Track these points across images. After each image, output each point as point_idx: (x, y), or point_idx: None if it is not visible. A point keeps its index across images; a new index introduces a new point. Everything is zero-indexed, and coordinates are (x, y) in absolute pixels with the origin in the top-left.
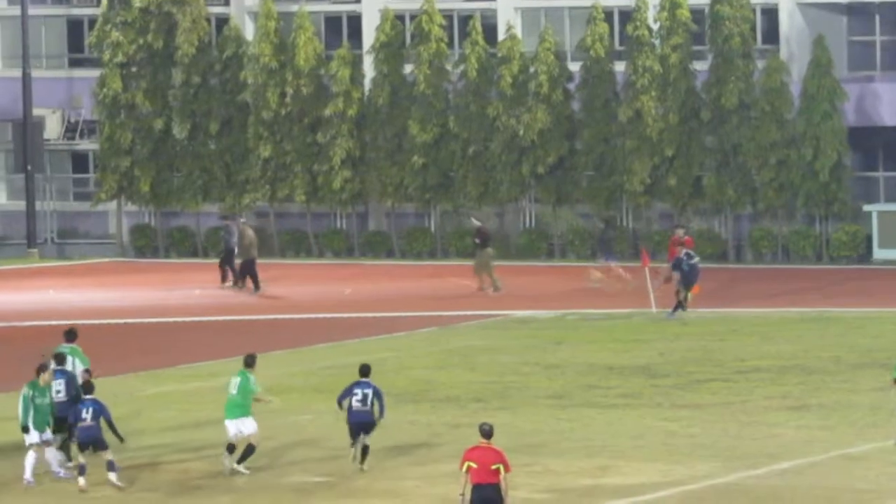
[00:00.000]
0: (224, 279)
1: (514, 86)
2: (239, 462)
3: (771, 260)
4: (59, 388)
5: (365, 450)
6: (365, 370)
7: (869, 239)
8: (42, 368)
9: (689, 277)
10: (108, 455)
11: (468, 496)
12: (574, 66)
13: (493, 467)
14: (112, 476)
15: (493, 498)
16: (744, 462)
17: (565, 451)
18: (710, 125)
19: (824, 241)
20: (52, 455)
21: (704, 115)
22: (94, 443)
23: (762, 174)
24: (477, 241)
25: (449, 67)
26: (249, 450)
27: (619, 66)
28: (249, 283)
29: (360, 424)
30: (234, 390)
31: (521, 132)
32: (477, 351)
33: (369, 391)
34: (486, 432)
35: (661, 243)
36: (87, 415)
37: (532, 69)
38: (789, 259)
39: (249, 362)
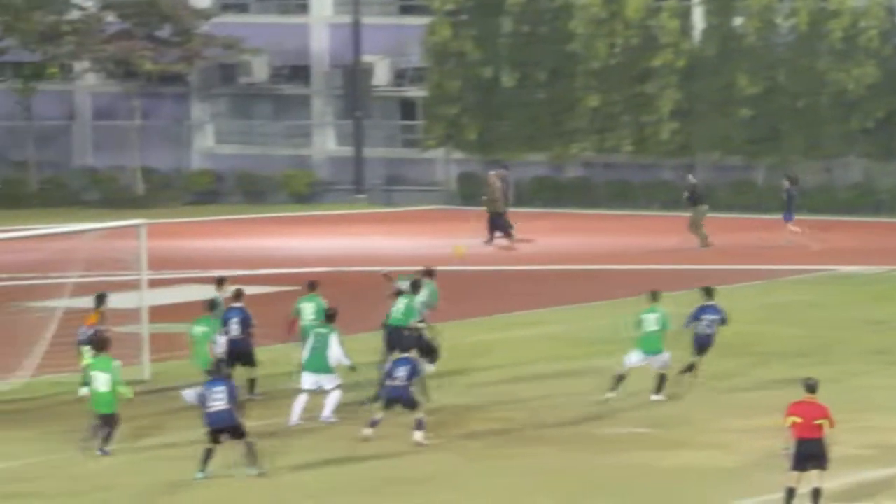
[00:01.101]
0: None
1: (844, 40)
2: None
3: None
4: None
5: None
6: (710, 291)
7: None
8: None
9: None
10: (419, 413)
11: (792, 450)
12: None
13: (817, 422)
14: (418, 435)
15: (817, 452)
16: None
17: (890, 408)
18: None
19: None
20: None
21: None
22: (403, 401)
23: None
24: (688, 196)
25: (779, 21)
26: (662, 379)
27: None
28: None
29: (703, 347)
30: (653, 326)
31: (850, 86)
32: (801, 306)
33: (716, 316)
34: (811, 387)
35: None
36: (401, 373)
37: (862, 23)
38: None
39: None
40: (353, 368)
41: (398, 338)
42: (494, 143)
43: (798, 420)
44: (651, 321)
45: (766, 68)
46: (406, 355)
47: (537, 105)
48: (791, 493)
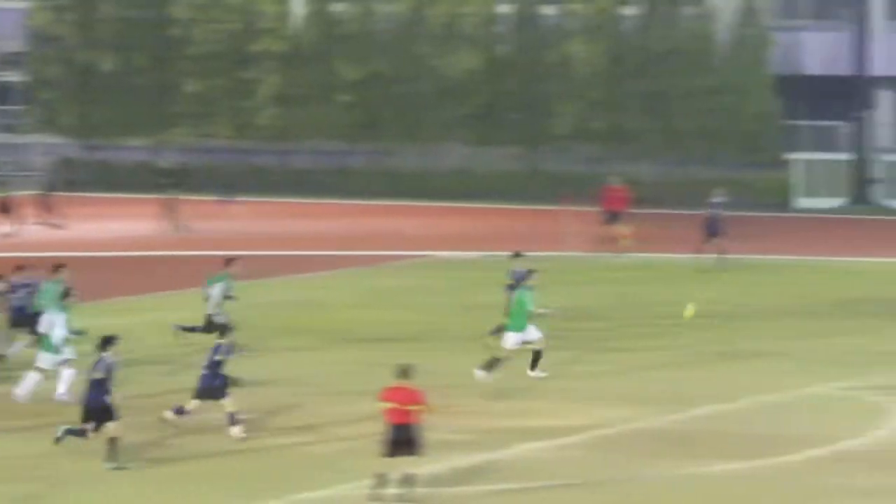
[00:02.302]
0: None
1: (444, 26)
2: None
3: (695, 206)
4: None
5: None
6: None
7: (790, 187)
8: None
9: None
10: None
11: (386, 435)
12: (504, 9)
13: (410, 408)
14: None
15: (410, 437)
16: (660, 407)
17: (484, 393)
18: (637, 70)
19: (747, 188)
20: None
21: (631, 60)
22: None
23: (687, 120)
24: (167, 181)
25: (379, 7)
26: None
27: (549, 10)
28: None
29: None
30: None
31: (450, 73)
32: (401, 291)
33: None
34: (405, 372)
35: (583, 187)
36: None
37: (462, 11)
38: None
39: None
40: None
41: None
42: (94, 128)
43: (391, 405)
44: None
45: (366, 55)
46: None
47: (138, 90)
48: (383, 478)
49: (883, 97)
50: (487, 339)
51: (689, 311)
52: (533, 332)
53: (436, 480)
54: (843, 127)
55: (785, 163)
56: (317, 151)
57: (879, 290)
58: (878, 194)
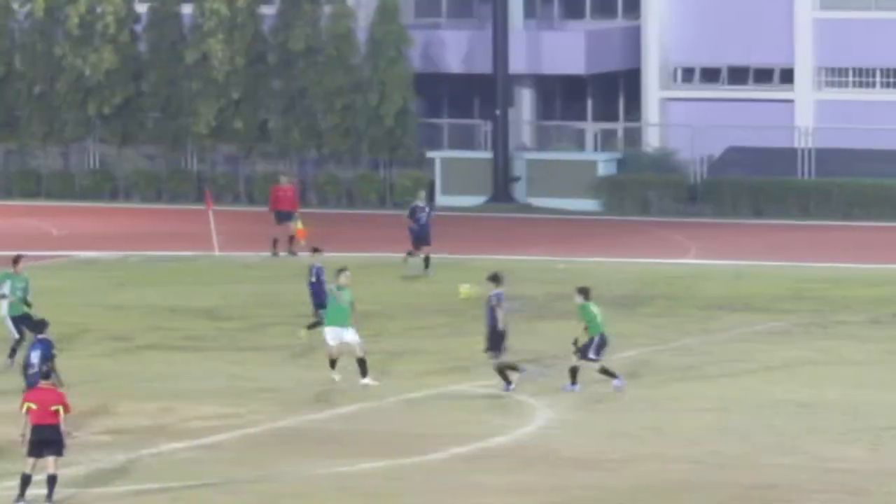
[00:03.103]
0: None
1: (81, 25)
2: None
3: (336, 205)
4: None
5: None
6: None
7: (433, 185)
8: None
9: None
10: None
11: (28, 437)
12: (142, 8)
13: (53, 408)
14: None
15: (52, 438)
16: (306, 406)
17: (128, 394)
18: (277, 69)
19: (388, 187)
20: None
21: (272, 58)
22: None
23: (328, 119)
24: None
25: (16, 6)
26: None
27: (187, 9)
28: None
29: None
30: None
31: (88, 72)
32: (39, 292)
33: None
34: (44, 374)
35: (225, 186)
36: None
37: (99, 9)
38: (354, 204)
39: None
40: None
41: None
42: None
43: (34, 406)
44: None
45: (2, 54)
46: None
47: None
48: (27, 479)
49: (522, 95)
50: (302, 332)
51: (466, 290)
52: (351, 335)
53: (78, 481)
54: (483, 125)
55: (426, 160)
56: None
57: (526, 287)
58: (520, 192)
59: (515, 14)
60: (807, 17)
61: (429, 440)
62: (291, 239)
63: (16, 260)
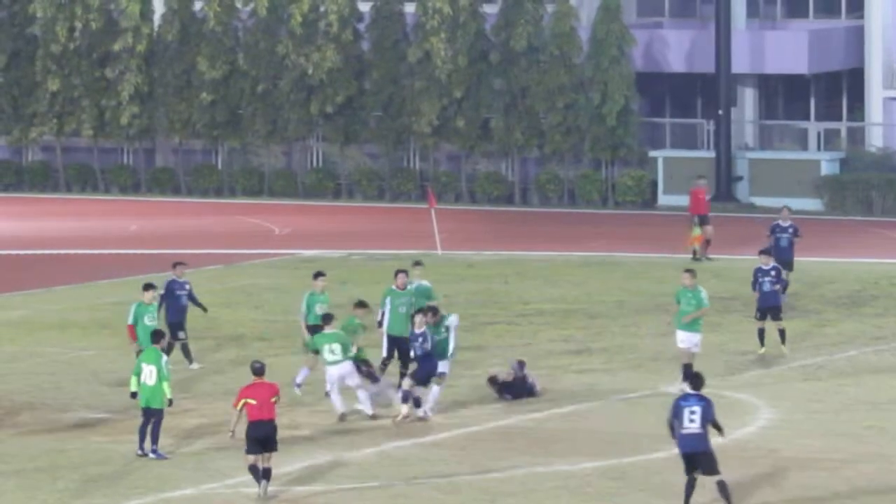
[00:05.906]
0: None
1: (304, 24)
2: None
3: (557, 203)
4: None
5: None
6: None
7: (654, 184)
8: None
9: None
10: None
11: (237, 433)
12: (364, 7)
13: (273, 400)
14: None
15: (270, 435)
16: (527, 405)
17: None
18: (499, 68)
19: (610, 186)
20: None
21: (494, 57)
22: None
23: (550, 118)
24: None
25: (239, 5)
26: None
27: (410, 7)
28: None
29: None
30: None
31: (310, 71)
32: (262, 289)
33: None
34: (258, 370)
35: (447, 185)
36: None
37: (322, 8)
38: (575, 203)
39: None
40: None
41: None
42: None
43: (252, 402)
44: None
45: (226, 52)
46: None
47: None
48: (255, 469)
49: (745, 94)
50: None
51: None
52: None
53: (302, 477)
54: (705, 124)
55: (648, 160)
56: (179, 150)
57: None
58: (742, 191)
59: (738, 13)
60: None
61: (649, 440)
62: (707, 243)
63: (316, 275)
